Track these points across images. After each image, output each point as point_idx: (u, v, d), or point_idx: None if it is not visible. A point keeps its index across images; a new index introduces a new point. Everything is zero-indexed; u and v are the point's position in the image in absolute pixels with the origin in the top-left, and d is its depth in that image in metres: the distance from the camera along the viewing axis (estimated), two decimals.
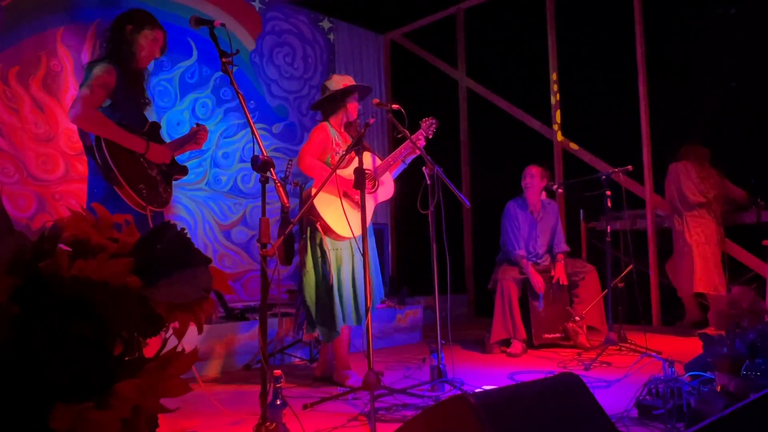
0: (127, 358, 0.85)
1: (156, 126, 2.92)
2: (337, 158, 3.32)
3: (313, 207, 3.23)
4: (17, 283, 0.75)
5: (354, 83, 3.48)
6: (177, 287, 0.85)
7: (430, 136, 3.48)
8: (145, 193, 2.70)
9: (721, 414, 1.57)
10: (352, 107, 3.46)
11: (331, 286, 3.27)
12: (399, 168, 3.59)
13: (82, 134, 2.73)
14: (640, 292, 4.32)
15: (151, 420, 0.82)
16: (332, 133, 3.42)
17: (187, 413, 2.74)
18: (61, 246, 0.85)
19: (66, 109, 4.47)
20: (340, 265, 3.31)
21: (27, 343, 0.74)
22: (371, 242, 3.50)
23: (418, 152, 3.37)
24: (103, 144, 2.60)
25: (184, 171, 3.04)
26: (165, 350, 0.87)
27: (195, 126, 3.12)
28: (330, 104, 3.49)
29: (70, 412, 0.72)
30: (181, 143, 3.09)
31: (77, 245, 0.86)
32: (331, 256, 3.30)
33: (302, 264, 3.41)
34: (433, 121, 3.49)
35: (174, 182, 3.03)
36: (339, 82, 3.46)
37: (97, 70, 2.69)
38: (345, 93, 3.44)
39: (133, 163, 2.71)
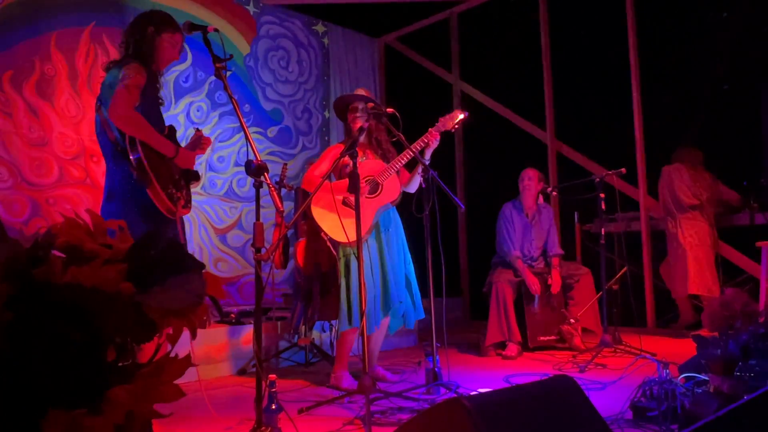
0: (120, 364, 0.85)
1: (173, 130, 2.87)
2: (348, 169, 3.34)
3: (314, 220, 3.26)
4: (10, 289, 0.75)
5: (352, 94, 3.53)
6: (170, 293, 0.86)
7: (453, 130, 3.43)
8: (175, 197, 2.68)
9: (714, 415, 1.57)
10: (350, 120, 3.49)
11: (339, 291, 3.31)
12: (418, 168, 3.52)
13: (107, 135, 2.65)
14: (634, 295, 4.34)
15: (145, 426, 0.82)
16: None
17: (181, 418, 2.73)
18: (55, 252, 0.85)
19: (60, 113, 4.47)
20: (350, 269, 3.32)
21: (20, 350, 0.74)
22: (397, 240, 3.51)
23: (430, 149, 3.38)
24: (139, 146, 2.55)
25: (197, 177, 2.98)
26: (158, 356, 0.87)
27: (195, 131, 3.09)
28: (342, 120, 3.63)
29: (64, 419, 0.72)
30: (191, 149, 3.06)
31: (71, 251, 0.86)
32: (341, 263, 3.32)
33: (301, 272, 3.44)
34: (461, 115, 3.40)
35: None
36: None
37: (130, 70, 2.61)
38: (343, 108, 3.54)
39: (163, 166, 2.65)
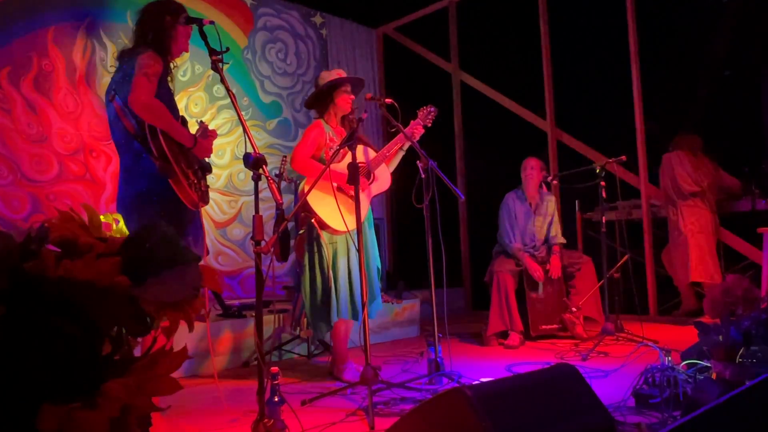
0: (116, 358, 0.85)
1: (185, 121, 2.81)
2: (331, 153, 3.32)
3: (306, 203, 3.23)
4: (3, 284, 0.75)
5: (342, 76, 3.46)
6: (166, 286, 0.85)
7: (429, 125, 3.45)
8: (195, 187, 2.63)
9: (716, 401, 1.57)
10: (341, 101, 3.42)
11: (328, 282, 3.27)
12: (398, 157, 3.55)
13: (123, 125, 2.56)
14: (636, 282, 4.33)
15: (143, 419, 0.82)
16: (327, 130, 3.42)
17: (185, 411, 2.74)
18: (50, 246, 0.84)
19: (58, 109, 4.45)
20: (336, 260, 3.31)
21: (13, 344, 0.74)
22: (372, 234, 3.50)
23: (414, 138, 3.36)
24: (160, 135, 2.48)
25: (210, 169, 2.92)
26: (155, 348, 0.87)
27: (201, 123, 3.02)
28: (320, 101, 3.48)
29: (58, 413, 0.72)
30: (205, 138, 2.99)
31: (65, 245, 0.85)
32: (329, 251, 3.30)
33: (299, 262, 3.41)
34: (432, 109, 3.47)
35: None
36: (326, 77, 3.46)
37: (148, 59, 2.53)
38: (332, 87, 3.42)
39: (182, 157, 2.59)
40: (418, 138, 3.39)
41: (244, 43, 5.69)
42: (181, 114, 2.75)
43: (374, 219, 3.88)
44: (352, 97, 3.44)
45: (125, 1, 4.78)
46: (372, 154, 3.47)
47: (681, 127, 5.10)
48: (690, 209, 4.83)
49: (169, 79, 2.72)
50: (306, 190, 3.19)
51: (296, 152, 3.35)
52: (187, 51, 2.81)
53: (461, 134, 6.55)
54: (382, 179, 3.49)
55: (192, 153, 2.67)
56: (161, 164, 2.48)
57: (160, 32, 2.65)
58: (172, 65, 2.75)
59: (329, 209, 3.24)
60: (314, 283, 3.32)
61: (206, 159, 2.85)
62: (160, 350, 0.85)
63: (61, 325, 0.75)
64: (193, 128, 2.82)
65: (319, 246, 3.31)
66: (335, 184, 3.25)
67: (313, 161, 3.33)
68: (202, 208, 2.72)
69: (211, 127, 2.89)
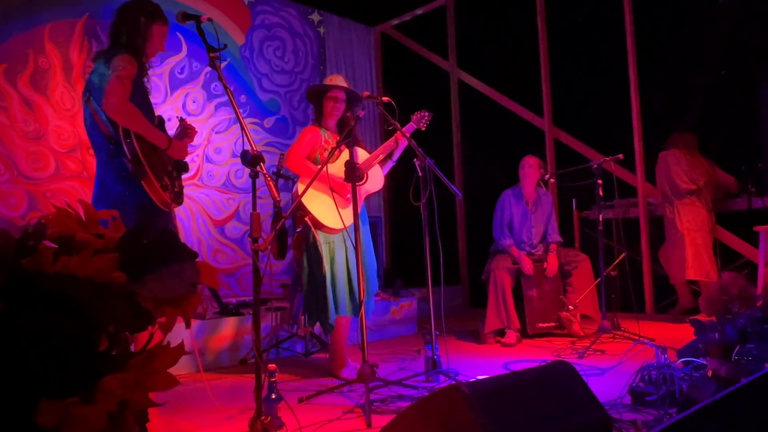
0: (114, 353, 0.85)
1: (162, 121, 2.86)
2: (326, 155, 3.33)
3: (300, 202, 3.24)
4: (0, 280, 0.75)
5: (333, 82, 3.47)
6: (163, 282, 0.85)
7: (423, 129, 3.48)
8: (168, 188, 2.67)
9: (712, 399, 1.58)
10: (327, 108, 3.44)
11: (325, 280, 3.27)
12: (387, 165, 3.58)
13: (99, 129, 2.61)
14: (632, 280, 4.35)
15: (140, 415, 0.82)
16: (322, 132, 3.44)
17: (182, 408, 2.74)
18: (47, 243, 0.84)
19: (55, 106, 4.45)
20: (334, 257, 3.31)
21: (11, 340, 0.74)
22: (367, 232, 3.50)
23: (402, 148, 3.38)
24: (134, 138, 2.53)
25: (186, 168, 2.96)
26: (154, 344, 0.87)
27: (180, 121, 3.06)
28: (314, 104, 3.55)
29: (56, 408, 0.72)
30: (179, 140, 3.03)
31: (63, 242, 0.85)
32: (324, 251, 3.30)
33: (298, 260, 3.41)
34: (426, 113, 3.49)
35: None
36: (325, 81, 3.50)
37: (122, 61, 2.57)
38: (319, 93, 3.47)
39: (156, 158, 2.64)
40: (406, 143, 3.42)
41: (242, 40, 5.68)
42: (169, 114, 2.77)
43: (372, 217, 3.89)
44: (340, 107, 3.44)
45: None
46: (362, 153, 3.47)
47: (678, 126, 5.11)
48: (686, 207, 4.84)
49: (145, 79, 2.77)
50: (300, 191, 3.20)
51: (291, 152, 3.38)
52: (163, 50, 2.89)
53: (459, 132, 6.55)
54: (375, 179, 3.50)
55: (166, 154, 2.72)
56: (133, 166, 2.55)
57: (134, 34, 2.70)
58: (147, 66, 2.79)
59: (323, 208, 3.25)
60: (313, 283, 3.32)
61: (185, 159, 2.90)
62: (158, 346, 0.85)
63: (59, 321, 0.76)
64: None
65: (316, 246, 3.31)
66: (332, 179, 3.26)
67: (307, 161, 3.35)
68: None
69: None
